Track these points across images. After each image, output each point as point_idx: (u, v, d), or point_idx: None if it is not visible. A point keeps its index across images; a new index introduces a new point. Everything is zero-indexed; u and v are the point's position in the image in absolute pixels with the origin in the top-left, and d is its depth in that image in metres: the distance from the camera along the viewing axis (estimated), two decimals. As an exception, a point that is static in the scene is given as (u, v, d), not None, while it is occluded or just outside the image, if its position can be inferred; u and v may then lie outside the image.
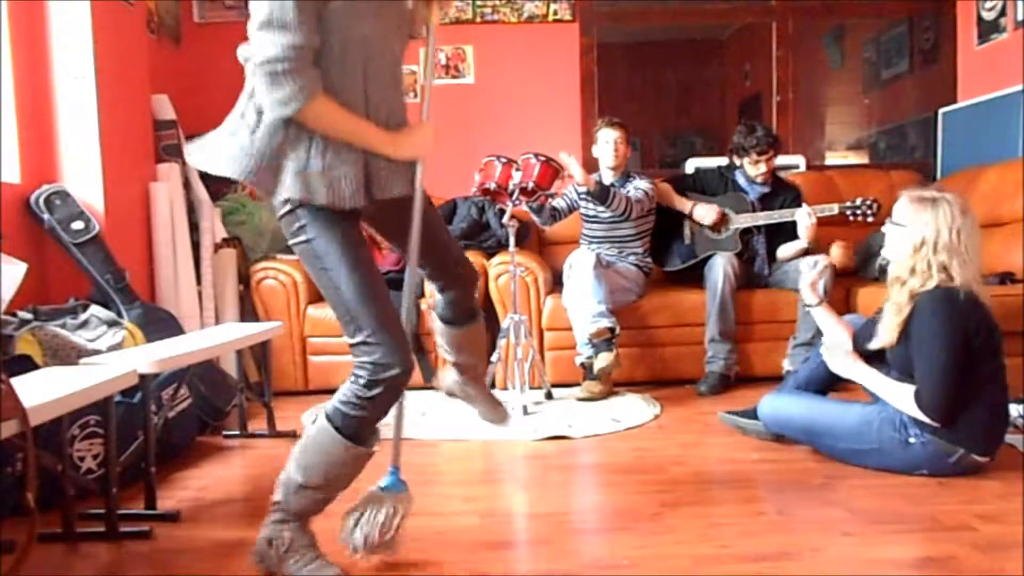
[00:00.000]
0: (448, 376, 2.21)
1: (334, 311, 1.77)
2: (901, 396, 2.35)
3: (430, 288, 2.11)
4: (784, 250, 3.83)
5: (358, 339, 1.70)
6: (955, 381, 2.27)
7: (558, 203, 3.83)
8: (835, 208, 3.71)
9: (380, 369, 1.67)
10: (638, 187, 3.81)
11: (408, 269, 1.87)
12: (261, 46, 1.56)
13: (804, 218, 3.65)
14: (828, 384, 2.72)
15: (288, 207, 1.67)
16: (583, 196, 3.84)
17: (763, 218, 3.82)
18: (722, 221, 3.86)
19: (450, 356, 2.15)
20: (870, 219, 3.70)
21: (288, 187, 1.63)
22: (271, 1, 1.52)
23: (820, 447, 2.62)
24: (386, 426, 1.82)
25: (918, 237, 2.33)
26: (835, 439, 2.52)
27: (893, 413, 2.40)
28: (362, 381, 1.69)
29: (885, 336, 2.41)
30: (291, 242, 1.74)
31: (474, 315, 2.12)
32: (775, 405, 2.72)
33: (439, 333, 2.13)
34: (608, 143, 3.81)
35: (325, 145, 1.64)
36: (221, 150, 1.67)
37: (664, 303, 3.82)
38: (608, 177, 3.87)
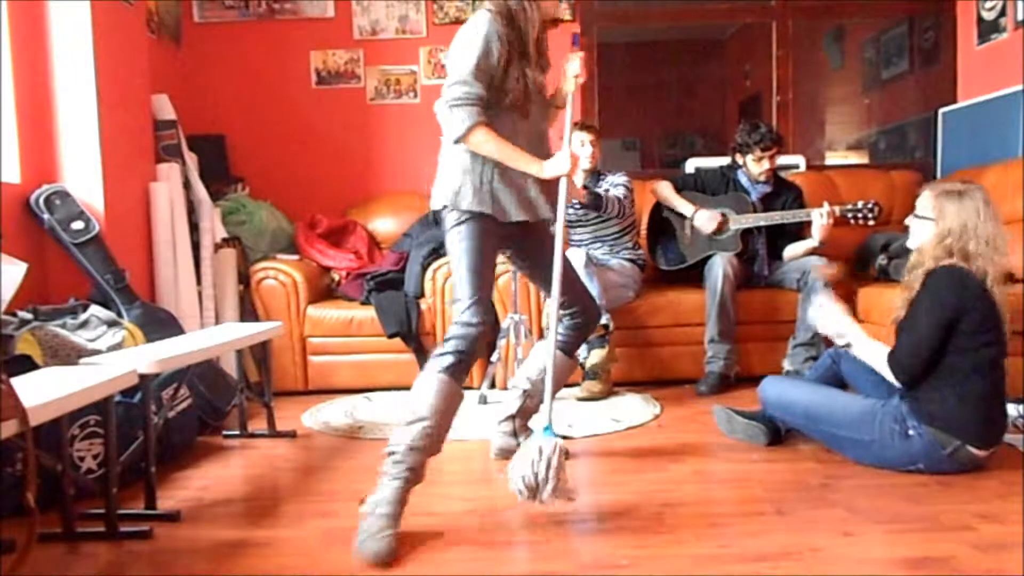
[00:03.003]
0: (501, 439, 2.68)
1: (454, 277, 2.25)
2: (875, 352, 2.46)
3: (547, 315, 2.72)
4: (792, 249, 3.82)
5: (462, 300, 2.18)
6: (926, 352, 2.36)
7: None
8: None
9: (470, 327, 2.15)
10: (616, 183, 3.79)
11: (553, 289, 2.32)
12: (449, 91, 2.16)
13: (819, 218, 3.64)
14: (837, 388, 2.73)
15: (453, 210, 2.25)
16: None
17: (764, 219, 3.81)
18: (722, 228, 3.85)
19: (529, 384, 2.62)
20: (871, 222, 3.70)
21: (469, 201, 2.21)
22: (460, 65, 2.14)
23: (817, 434, 2.63)
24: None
25: (945, 228, 2.39)
26: (835, 426, 2.53)
27: (895, 406, 2.43)
28: (455, 329, 2.16)
29: (897, 313, 2.50)
30: (449, 227, 2.26)
31: (576, 350, 2.67)
32: (779, 387, 2.73)
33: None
34: (584, 145, 3.78)
35: (493, 173, 2.22)
36: (439, 188, 2.30)
37: (663, 303, 3.82)
38: (580, 179, 3.84)
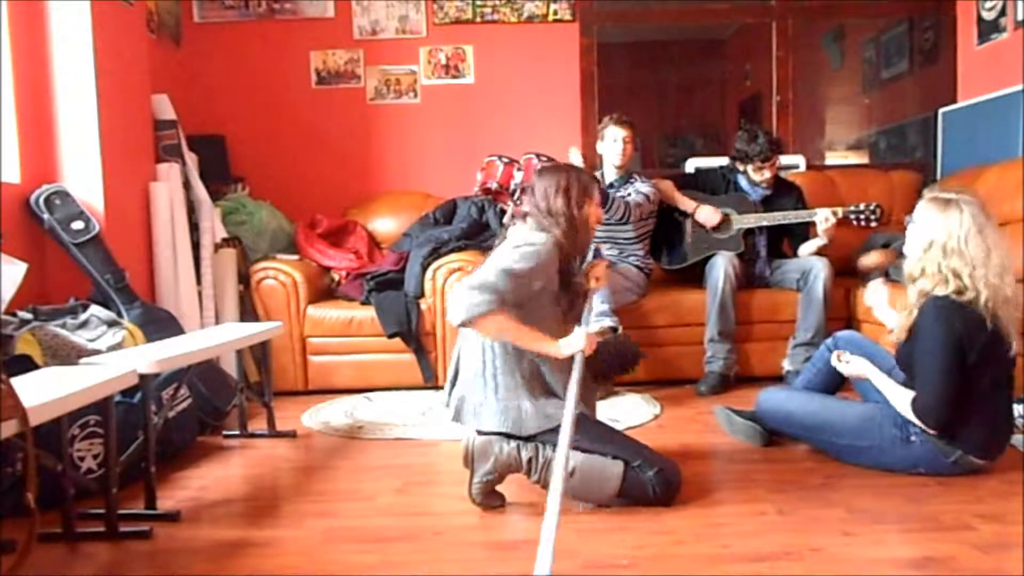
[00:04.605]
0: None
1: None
2: (900, 398, 2.37)
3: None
4: (807, 247, 3.84)
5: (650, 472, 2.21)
6: (951, 390, 2.26)
7: None
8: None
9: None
10: (639, 190, 3.78)
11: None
12: (477, 277, 2.14)
13: (823, 221, 3.66)
14: (832, 388, 2.72)
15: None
16: None
17: (768, 219, 3.81)
18: (724, 224, 3.85)
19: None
20: (873, 224, 3.72)
21: (540, 423, 2.23)
22: (504, 266, 2.14)
23: (818, 443, 2.62)
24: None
25: (927, 239, 2.30)
26: (835, 435, 2.52)
27: (896, 411, 2.41)
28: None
29: (897, 333, 2.42)
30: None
31: None
32: (775, 399, 2.72)
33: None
34: (616, 141, 3.79)
35: (536, 389, 2.25)
36: (486, 410, 2.25)
37: (664, 303, 3.82)
38: (611, 175, 3.86)
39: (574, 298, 2.40)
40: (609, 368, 2.57)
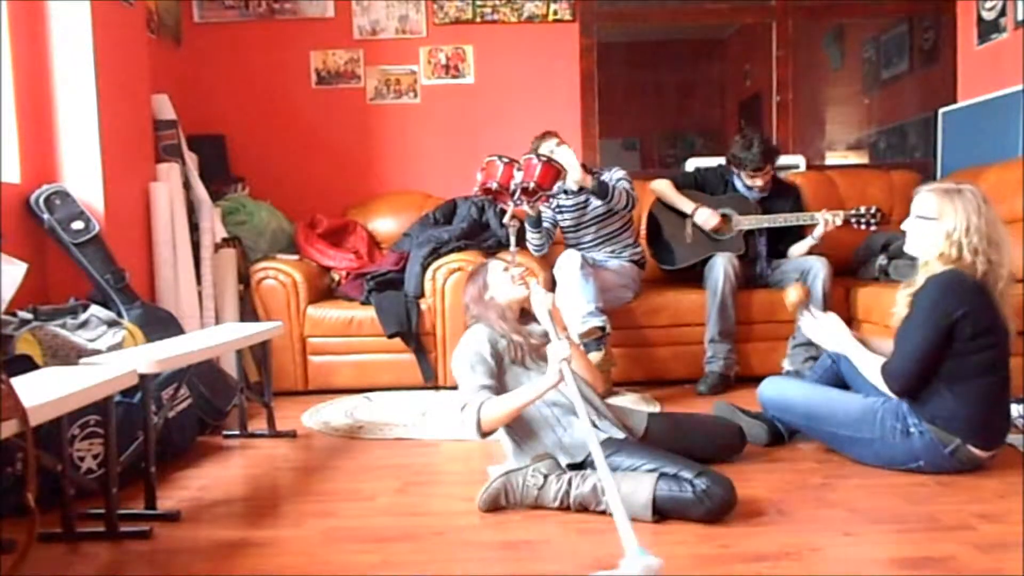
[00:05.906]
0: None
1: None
2: (871, 364, 2.44)
3: None
4: (796, 248, 3.86)
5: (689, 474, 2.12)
6: (924, 360, 2.34)
7: (545, 224, 3.80)
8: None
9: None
10: (617, 178, 3.73)
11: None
12: (458, 399, 2.40)
13: (823, 224, 3.68)
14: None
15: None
16: (557, 209, 3.80)
17: (768, 220, 3.81)
18: (723, 226, 3.85)
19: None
20: (873, 227, 3.72)
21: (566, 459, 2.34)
22: (460, 376, 2.41)
23: (818, 433, 2.63)
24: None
25: (951, 226, 2.35)
26: (836, 426, 2.53)
27: (896, 404, 2.42)
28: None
29: (899, 309, 2.48)
30: None
31: None
32: (778, 387, 2.73)
33: None
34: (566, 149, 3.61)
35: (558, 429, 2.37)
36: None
37: (663, 303, 3.82)
38: (573, 183, 3.71)
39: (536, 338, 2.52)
40: (716, 453, 2.54)
